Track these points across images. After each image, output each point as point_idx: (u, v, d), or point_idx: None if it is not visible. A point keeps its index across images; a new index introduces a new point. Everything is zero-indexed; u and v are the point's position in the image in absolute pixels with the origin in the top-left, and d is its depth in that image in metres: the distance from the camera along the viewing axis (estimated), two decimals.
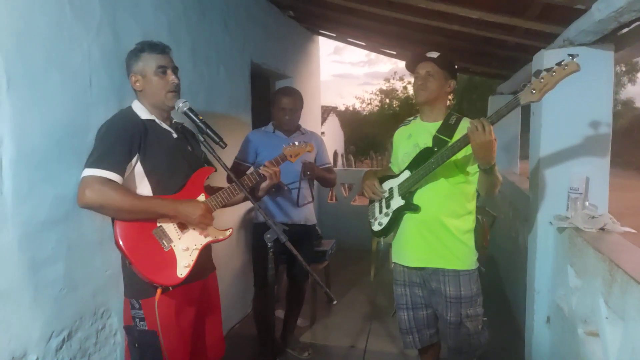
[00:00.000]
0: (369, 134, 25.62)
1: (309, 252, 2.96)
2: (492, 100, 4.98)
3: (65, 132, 1.75)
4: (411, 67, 2.04)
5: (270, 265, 1.75)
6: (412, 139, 2.06)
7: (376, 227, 2.12)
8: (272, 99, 2.85)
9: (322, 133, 7.73)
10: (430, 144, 1.94)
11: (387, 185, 2.10)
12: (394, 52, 5.13)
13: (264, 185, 1.95)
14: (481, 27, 2.85)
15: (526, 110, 3.01)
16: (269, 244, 1.69)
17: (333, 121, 17.92)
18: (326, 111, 15.88)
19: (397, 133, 2.19)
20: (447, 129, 1.95)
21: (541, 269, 2.45)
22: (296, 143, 2.03)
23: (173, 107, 1.70)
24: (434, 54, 1.96)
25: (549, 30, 2.35)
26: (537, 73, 1.63)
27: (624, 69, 25.16)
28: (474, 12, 2.51)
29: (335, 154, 17.02)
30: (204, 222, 1.64)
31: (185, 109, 1.68)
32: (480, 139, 1.65)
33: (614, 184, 2.35)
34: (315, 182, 2.93)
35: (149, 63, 1.63)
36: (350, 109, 31.62)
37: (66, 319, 1.79)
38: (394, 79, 27.41)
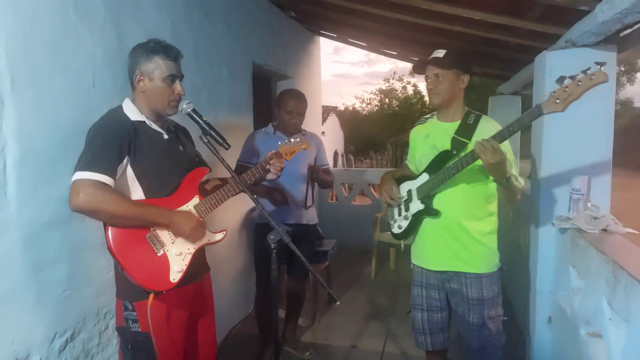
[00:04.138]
0: (368, 133, 25.63)
1: (309, 251, 2.96)
2: (493, 101, 4.98)
3: (69, 133, 1.74)
4: (420, 71, 1.98)
5: (273, 266, 1.75)
6: (429, 139, 2.00)
7: (396, 230, 2.08)
8: (277, 101, 2.84)
9: (323, 133, 7.72)
10: (448, 146, 1.89)
11: (405, 187, 2.05)
12: (395, 53, 5.13)
13: (268, 177, 1.94)
14: (483, 28, 2.85)
15: (527, 110, 2.99)
16: (272, 245, 1.69)
17: (333, 121, 17.91)
18: (326, 111, 15.87)
19: (414, 131, 2.14)
20: (466, 129, 1.89)
21: (543, 269, 2.46)
22: (291, 140, 2.00)
23: (170, 115, 1.69)
24: (440, 53, 1.90)
25: (551, 31, 2.35)
26: (561, 80, 1.55)
27: (623, 69, 25.23)
28: (476, 13, 2.51)
29: (336, 154, 17.01)
30: (194, 235, 1.64)
31: (189, 110, 1.67)
32: (490, 159, 1.62)
33: (613, 183, 2.35)
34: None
35: (160, 68, 1.59)
36: (350, 108, 31.63)
37: (69, 319, 1.79)
38: (393, 78, 27.43)
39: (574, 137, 2.31)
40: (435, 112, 2.06)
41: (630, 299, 1.39)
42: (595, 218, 2.10)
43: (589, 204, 2.22)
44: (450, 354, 2.21)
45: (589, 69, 1.51)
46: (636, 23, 1.81)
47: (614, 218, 2.13)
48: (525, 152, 3.96)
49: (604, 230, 2.04)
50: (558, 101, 1.56)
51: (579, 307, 1.94)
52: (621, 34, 2.04)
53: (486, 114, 1.99)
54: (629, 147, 20.18)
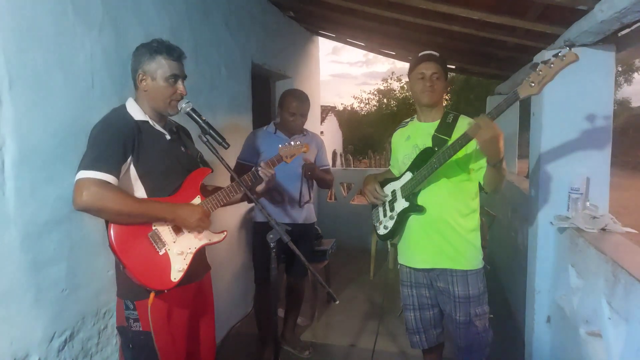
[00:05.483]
0: (367, 133, 25.67)
1: (308, 250, 2.96)
2: (491, 101, 4.99)
3: (68, 132, 1.74)
4: (412, 67, 2.00)
5: (272, 265, 1.75)
6: (411, 140, 2.05)
7: (382, 231, 2.10)
8: (280, 101, 2.83)
9: (322, 133, 7.71)
10: (429, 144, 1.94)
11: (389, 188, 2.09)
12: (393, 53, 5.13)
13: (259, 188, 1.92)
14: (482, 28, 2.85)
15: (525, 109, 3.01)
16: (272, 244, 1.69)
17: (332, 121, 17.93)
18: (325, 111, 15.89)
19: (396, 135, 2.19)
20: (446, 127, 1.94)
21: (541, 268, 2.46)
22: (292, 143, 2.01)
23: (171, 115, 1.69)
24: (436, 53, 1.95)
25: (550, 31, 2.35)
26: (535, 66, 1.60)
27: (620, 69, 25.32)
28: (475, 12, 2.52)
29: (334, 153, 17.02)
30: (201, 227, 1.64)
31: (188, 109, 1.67)
32: (486, 135, 1.63)
33: (610, 183, 2.36)
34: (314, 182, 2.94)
35: (162, 68, 1.60)
36: (349, 108, 31.68)
37: (68, 319, 1.79)
38: (391, 79, 27.44)
39: (572, 136, 2.32)
40: (414, 116, 2.13)
41: (630, 298, 1.39)
42: (594, 217, 2.10)
43: (587, 203, 2.22)
44: (446, 352, 2.22)
45: (559, 51, 1.55)
46: (635, 22, 1.81)
47: (613, 217, 2.13)
48: (524, 152, 3.97)
49: (603, 229, 2.05)
50: (533, 84, 1.60)
51: (578, 307, 1.95)
52: (620, 34, 2.04)
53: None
54: (626, 147, 20.22)
